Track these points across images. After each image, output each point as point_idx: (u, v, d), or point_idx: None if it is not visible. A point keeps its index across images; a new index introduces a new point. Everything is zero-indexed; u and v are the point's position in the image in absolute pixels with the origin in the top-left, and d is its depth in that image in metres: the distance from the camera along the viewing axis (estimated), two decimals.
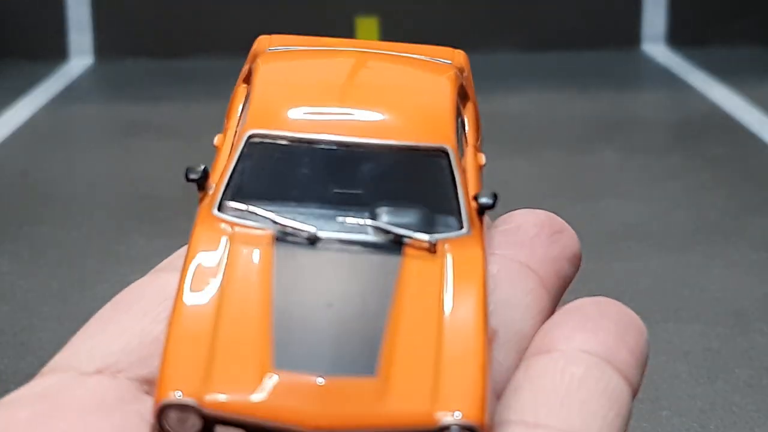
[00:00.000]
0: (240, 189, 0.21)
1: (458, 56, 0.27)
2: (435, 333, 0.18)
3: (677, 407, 0.96)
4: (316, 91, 0.23)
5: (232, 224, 0.20)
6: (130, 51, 2.30)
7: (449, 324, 0.18)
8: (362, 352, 0.17)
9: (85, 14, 2.30)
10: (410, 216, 0.20)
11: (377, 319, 0.18)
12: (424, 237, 0.19)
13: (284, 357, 0.17)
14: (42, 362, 0.19)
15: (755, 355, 1.18)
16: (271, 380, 0.17)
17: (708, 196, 1.65)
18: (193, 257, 0.20)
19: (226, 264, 0.19)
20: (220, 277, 0.19)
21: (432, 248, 0.19)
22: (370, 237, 0.20)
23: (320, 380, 0.17)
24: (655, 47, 2.51)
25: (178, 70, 2.22)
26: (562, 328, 0.20)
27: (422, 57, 0.26)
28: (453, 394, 0.17)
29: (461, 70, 0.25)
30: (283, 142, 0.21)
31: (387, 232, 0.19)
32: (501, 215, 0.23)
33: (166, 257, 0.21)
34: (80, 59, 2.31)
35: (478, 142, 0.25)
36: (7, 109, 1.89)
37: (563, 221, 0.23)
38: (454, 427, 0.16)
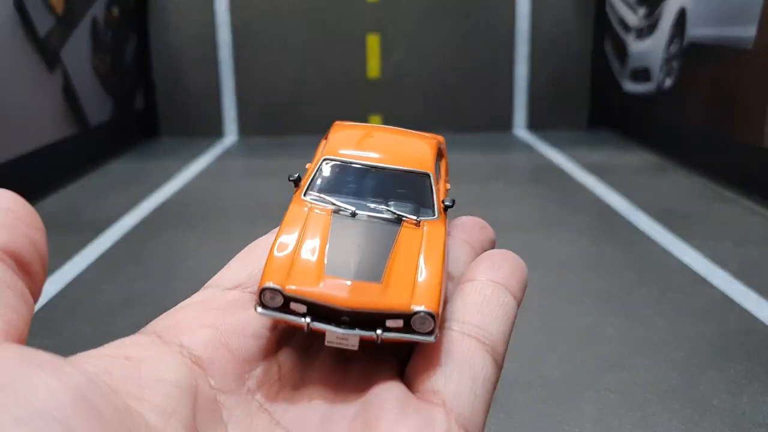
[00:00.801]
0: (316, 186, 0.31)
1: (439, 137, 0.38)
2: (415, 263, 0.27)
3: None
4: (359, 142, 0.33)
5: (311, 203, 0.30)
6: (257, 132, 3.23)
7: (423, 260, 0.27)
8: (373, 270, 0.26)
9: (232, 111, 3.21)
10: (407, 207, 0.30)
11: (384, 254, 0.27)
12: (413, 218, 0.29)
13: (331, 269, 0.26)
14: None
15: (568, 288, 1.46)
16: (323, 280, 0.25)
17: (546, 204, 2.01)
18: (288, 217, 0.29)
19: (305, 221, 0.28)
20: (300, 226, 0.28)
21: (417, 224, 0.29)
22: (385, 215, 0.29)
23: (348, 282, 0.25)
24: (521, 131, 3.30)
25: (283, 142, 3.06)
26: (480, 267, 0.29)
27: (419, 133, 0.35)
28: (422, 296, 0.25)
29: (440, 142, 0.36)
30: (339, 163, 0.31)
31: (394, 213, 0.29)
32: (455, 217, 0.33)
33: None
34: (231, 136, 3.23)
35: (446, 179, 0.35)
36: (193, 162, 2.66)
37: (485, 222, 0.33)
38: (421, 312, 0.24)
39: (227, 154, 2.89)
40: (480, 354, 0.26)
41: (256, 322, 0.27)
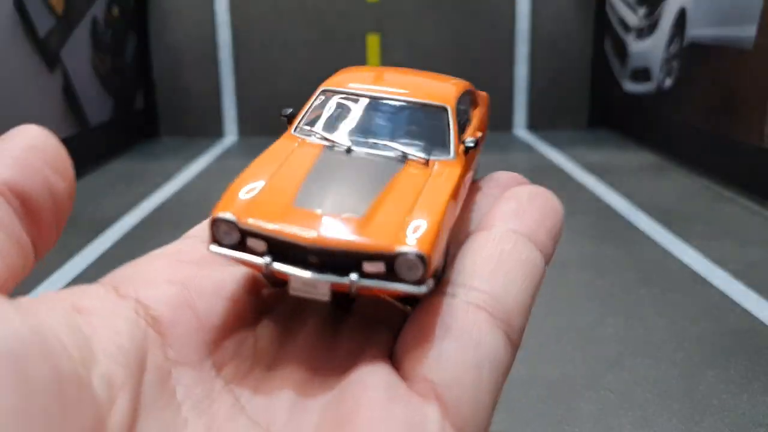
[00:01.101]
0: (310, 120, 0.27)
1: (481, 94, 0.34)
2: (413, 200, 0.22)
3: None
4: (369, 76, 0.29)
5: (301, 138, 0.26)
6: (257, 131, 3.21)
7: (423, 197, 0.22)
8: (357, 202, 0.22)
9: (232, 111, 3.20)
10: (418, 145, 0.25)
11: (374, 189, 0.23)
12: (421, 155, 0.25)
13: (303, 200, 0.22)
14: None
15: (568, 288, 1.46)
16: (287, 212, 0.21)
17: None
18: (269, 150, 0.25)
19: (290, 155, 0.25)
20: (282, 159, 0.24)
21: (426, 163, 0.24)
22: (387, 153, 0.25)
23: (319, 212, 0.21)
24: (520, 130, 3.31)
25: None
26: (500, 211, 0.24)
27: (449, 77, 0.30)
28: (413, 235, 0.21)
29: (472, 88, 0.31)
30: (340, 94, 0.27)
31: (398, 151, 0.25)
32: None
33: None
34: (231, 136, 3.23)
35: (480, 128, 0.30)
36: (193, 162, 2.66)
37: (524, 178, 0.27)
38: (408, 254, 0.20)
39: (227, 154, 2.90)
40: (489, 331, 0.21)
41: (233, 283, 0.23)
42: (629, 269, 1.55)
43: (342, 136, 0.26)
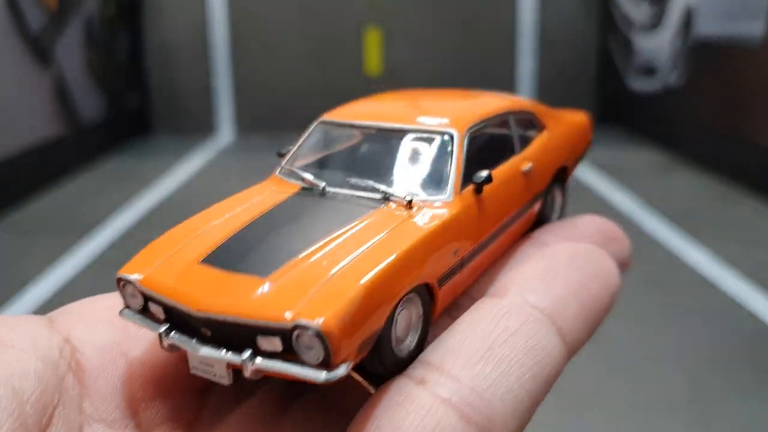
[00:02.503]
0: (299, 157, 0.25)
1: (569, 113, 0.30)
2: (352, 255, 0.18)
3: None
4: (384, 101, 0.26)
5: (279, 181, 0.24)
6: (253, 128, 3.19)
7: (370, 251, 0.18)
8: (269, 259, 0.18)
9: (227, 108, 3.19)
10: (411, 180, 0.22)
11: (310, 241, 0.19)
12: (402, 195, 0.21)
13: (213, 256, 0.19)
14: None
15: None
16: (188, 271, 0.18)
17: None
18: (238, 195, 0.23)
19: (249, 202, 0.22)
20: (235, 208, 0.22)
21: (408, 204, 0.21)
22: (366, 193, 0.22)
23: (220, 273, 0.18)
24: None
25: (279, 139, 2.74)
26: (524, 273, 0.19)
27: (511, 97, 0.26)
28: (321, 300, 0.16)
29: (537, 112, 0.27)
30: (336, 126, 0.25)
31: (376, 189, 0.22)
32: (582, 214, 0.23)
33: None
34: (226, 133, 3.22)
35: (527, 162, 0.25)
36: (188, 160, 2.65)
37: (622, 233, 0.22)
38: (304, 327, 0.16)
39: (222, 151, 2.87)
40: None
41: None
42: (635, 270, 1.50)
43: (323, 174, 0.24)
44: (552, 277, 0.18)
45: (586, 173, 2.37)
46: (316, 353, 0.16)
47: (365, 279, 0.17)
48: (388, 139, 0.24)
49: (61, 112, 2.36)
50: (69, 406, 0.17)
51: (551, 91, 3.23)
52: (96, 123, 2.64)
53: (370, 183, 0.23)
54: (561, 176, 0.32)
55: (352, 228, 0.20)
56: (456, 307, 0.23)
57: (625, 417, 1.00)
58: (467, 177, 0.23)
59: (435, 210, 0.22)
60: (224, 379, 0.18)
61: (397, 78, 3.17)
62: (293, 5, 3.08)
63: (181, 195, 2.14)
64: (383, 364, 0.19)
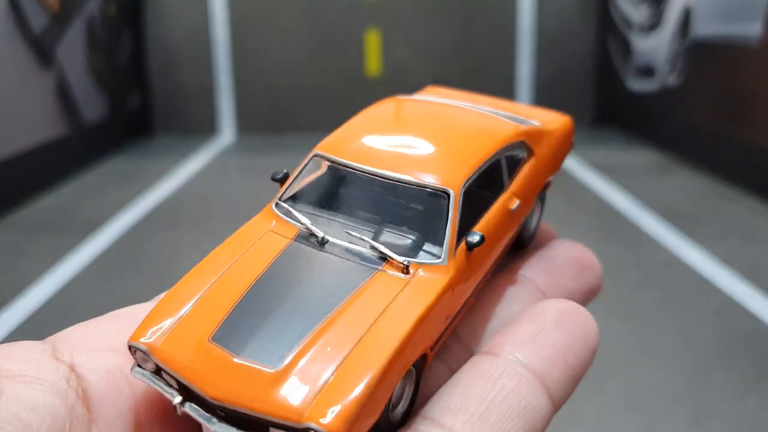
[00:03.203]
0: (296, 191, 0.24)
1: (558, 120, 0.29)
2: (355, 339, 0.18)
3: None
4: (383, 129, 0.25)
5: (278, 219, 0.23)
6: (254, 129, 3.19)
7: (371, 333, 0.18)
8: (280, 346, 0.18)
9: (229, 108, 3.18)
10: (406, 238, 0.22)
11: (317, 316, 0.19)
12: (400, 259, 0.21)
13: (221, 334, 0.19)
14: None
15: None
16: (199, 349, 0.18)
17: (548, 203, 2.23)
18: (233, 238, 0.22)
19: (250, 248, 0.21)
20: (235, 256, 0.21)
21: (405, 269, 0.21)
22: (364, 250, 0.21)
23: (235, 360, 0.18)
24: None
25: (279, 140, 3.04)
26: (519, 332, 0.20)
27: (510, 114, 0.26)
28: (330, 400, 0.17)
29: (528, 138, 0.26)
30: (331, 164, 0.24)
31: (375, 249, 0.21)
32: (560, 239, 0.23)
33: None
34: (227, 134, 3.21)
35: (516, 200, 0.24)
36: (189, 161, 2.63)
37: (595, 260, 0.23)
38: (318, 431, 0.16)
39: (224, 152, 2.87)
40: None
41: None
42: (633, 270, 1.51)
43: (321, 218, 0.23)
44: (542, 340, 0.20)
45: (585, 174, 2.36)
46: None
47: (371, 373, 0.18)
48: (383, 188, 0.24)
49: (63, 113, 2.37)
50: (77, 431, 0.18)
51: (550, 92, 3.22)
52: (97, 123, 2.65)
53: (368, 241, 0.22)
54: (543, 189, 0.33)
55: (354, 299, 0.21)
56: (445, 350, 0.24)
57: (624, 415, 1.00)
58: (461, 233, 0.23)
59: (430, 275, 0.22)
60: None
61: (397, 79, 3.17)
62: (294, 7, 3.09)
63: (182, 195, 2.14)
64: (379, 430, 0.20)
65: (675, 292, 1.39)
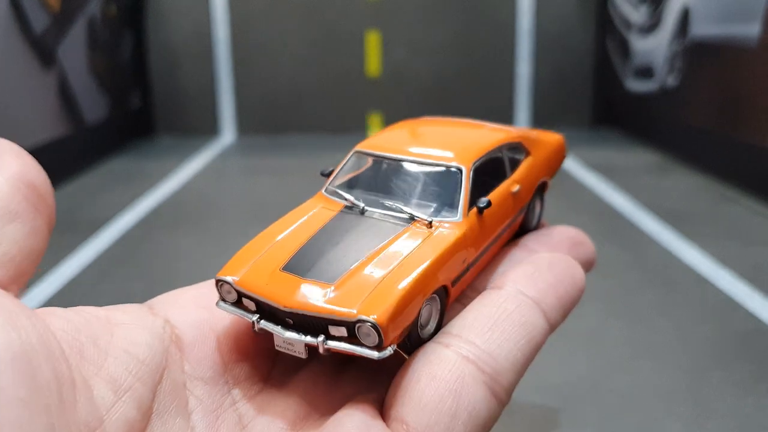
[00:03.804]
0: (339, 180, 0.30)
1: (548, 136, 0.36)
2: (391, 266, 0.24)
3: None
4: (405, 133, 0.31)
5: (326, 199, 0.29)
6: (255, 129, 3.21)
7: (405, 262, 0.24)
8: (334, 269, 0.24)
9: (230, 109, 3.20)
10: (429, 205, 0.28)
11: (361, 254, 0.25)
12: (425, 217, 0.27)
13: (292, 265, 0.25)
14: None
15: None
16: (274, 277, 0.24)
17: (547, 204, 2.24)
18: (291, 212, 0.28)
19: (306, 218, 0.28)
20: (296, 222, 0.27)
21: (429, 224, 0.27)
22: (396, 213, 0.27)
23: (298, 278, 0.24)
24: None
25: (280, 141, 3.06)
26: (516, 272, 0.25)
27: (502, 127, 0.32)
28: (374, 303, 0.22)
29: (523, 137, 0.33)
30: (369, 155, 0.30)
31: (403, 212, 0.27)
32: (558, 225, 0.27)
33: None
34: (228, 135, 3.22)
35: (516, 185, 0.31)
36: (191, 161, 2.63)
37: (587, 238, 0.28)
38: (365, 322, 0.22)
39: (225, 152, 2.89)
40: (472, 383, 0.22)
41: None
42: (632, 270, 1.52)
43: (361, 196, 0.29)
44: (537, 276, 0.25)
45: (584, 174, 2.37)
46: (372, 339, 0.23)
47: (403, 285, 0.23)
48: (410, 169, 0.30)
49: (64, 113, 2.38)
50: (173, 367, 0.22)
51: (549, 93, 3.24)
52: (99, 123, 2.66)
53: (399, 206, 0.28)
54: (541, 189, 0.39)
55: (389, 243, 0.26)
56: (463, 297, 0.30)
57: (623, 414, 1.01)
58: (472, 201, 0.29)
59: (449, 229, 0.27)
60: (302, 354, 0.24)
61: (397, 80, 3.18)
62: (295, 8, 3.10)
63: (183, 195, 2.15)
64: (411, 343, 0.25)
65: (674, 292, 1.40)
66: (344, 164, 0.32)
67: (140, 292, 1.40)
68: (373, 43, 3.13)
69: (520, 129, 0.37)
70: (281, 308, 0.24)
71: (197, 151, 2.86)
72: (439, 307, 0.26)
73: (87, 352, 0.20)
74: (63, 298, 1.39)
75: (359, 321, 0.23)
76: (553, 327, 0.25)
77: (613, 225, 1.85)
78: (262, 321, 0.24)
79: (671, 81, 2.59)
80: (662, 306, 1.34)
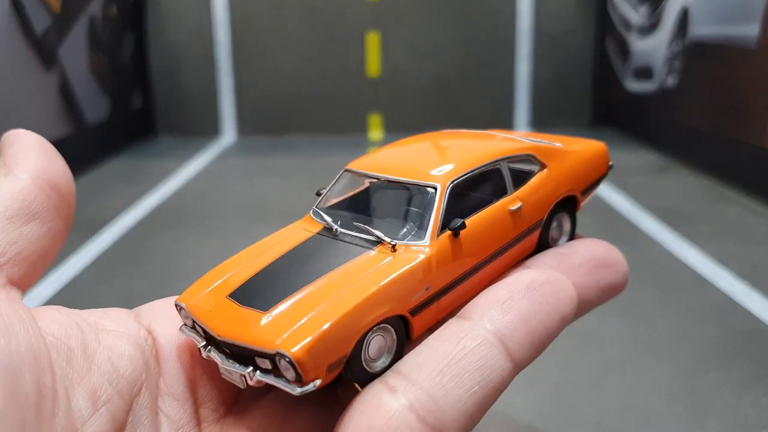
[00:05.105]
0: (326, 200, 0.30)
1: (585, 143, 0.33)
2: (332, 294, 0.22)
3: None
4: (400, 149, 0.30)
5: (311, 220, 0.29)
6: (255, 130, 3.22)
7: (347, 290, 0.22)
8: (272, 296, 0.23)
9: (231, 109, 3.20)
10: (399, 225, 0.26)
11: (309, 279, 0.24)
12: (388, 239, 0.25)
13: (236, 292, 0.24)
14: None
15: None
16: (219, 303, 0.24)
17: None
18: (272, 235, 0.27)
19: (281, 240, 0.27)
20: (269, 245, 0.26)
21: (392, 248, 0.25)
22: (366, 236, 0.26)
23: (237, 307, 0.23)
24: (522, 130, 3.26)
25: (281, 142, 3.06)
26: (488, 299, 0.22)
27: (513, 138, 0.30)
28: (298, 334, 0.21)
29: (553, 150, 0.30)
30: (355, 175, 0.29)
31: (370, 233, 0.26)
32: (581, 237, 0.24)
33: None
34: (229, 135, 3.23)
35: (518, 201, 0.28)
36: (191, 161, 2.63)
37: (620, 257, 0.24)
38: (282, 356, 0.21)
39: (226, 153, 2.89)
40: None
41: None
42: (631, 270, 1.50)
43: (342, 218, 0.28)
44: (508, 305, 0.22)
45: None
46: (292, 374, 0.22)
47: (332, 316, 0.22)
48: (386, 188, 0.29)
49: (66, 114, 2.38)
50: (150, 381, 0.22)
51: (548, 93, 3.25)
52: (100, 124, 2.66)
53: (367, 228, 0.27)
54: (566, 205, 0.35)
55: (342, 268, 0.25)
56: (439, 326, 0.27)
57: (622, 413, 1.01)
58: (448, 222, 0.27)
59: (412, 252, 0.25)
60: (241, 384, 0.23)
61: (397, 81, 3.18)
62: (295, 8, 3.10)
63: (184, 195, 2.15)
64: (354, 377, 0.24)
65: (673, 292, 1.40)
66: (334, 183, 0.31)
67: (140, 292, 1.41)
68: (373, 43, 3.14)
69: (544, 138, 0.35)
70: (216, 337, 0.23)
71: (198, 151, 2.87)
72: (395, 337, 0.25)
73: (74, 360, 0.20)
74: (63, 298, 1.39)
75: (278, 354, 0.22)
76: (519, 367, 0.22)
77: (612, 224, 1.84)
78: (209, 347, 0.24)
79: (671, 81, 2.60)
80: (661, 306, 1.35)
